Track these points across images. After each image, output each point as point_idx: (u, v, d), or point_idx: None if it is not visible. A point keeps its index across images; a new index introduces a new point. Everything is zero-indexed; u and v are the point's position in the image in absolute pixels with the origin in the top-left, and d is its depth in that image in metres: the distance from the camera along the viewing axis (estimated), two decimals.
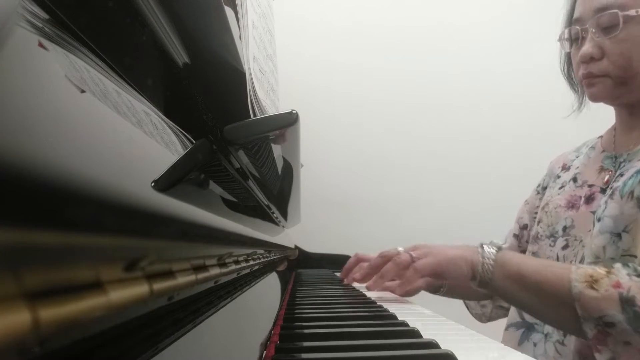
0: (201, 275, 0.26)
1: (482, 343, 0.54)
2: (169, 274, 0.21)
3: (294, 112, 0.40)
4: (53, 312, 0.11)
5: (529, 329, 0.88)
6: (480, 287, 0.78)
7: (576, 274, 0.68)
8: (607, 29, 0.77)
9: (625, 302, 0.63)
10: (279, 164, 0.62)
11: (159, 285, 0.19)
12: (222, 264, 0.34)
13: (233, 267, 0.38)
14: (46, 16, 0.20)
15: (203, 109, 0.37)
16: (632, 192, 0.73)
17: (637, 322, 0.62)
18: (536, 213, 0.96)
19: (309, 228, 1.62)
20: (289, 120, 0.40)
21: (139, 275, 0.17)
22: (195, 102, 0.37)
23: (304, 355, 0.44)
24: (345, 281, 1.01)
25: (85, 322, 0.13)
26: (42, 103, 0.14)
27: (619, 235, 0.74)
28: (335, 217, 1.86)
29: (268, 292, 0.68)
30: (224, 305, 0.36)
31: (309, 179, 1.46)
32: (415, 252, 0.83)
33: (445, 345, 0.44)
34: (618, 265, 0.67)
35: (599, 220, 0.77)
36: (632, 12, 0.75)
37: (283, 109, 0.42)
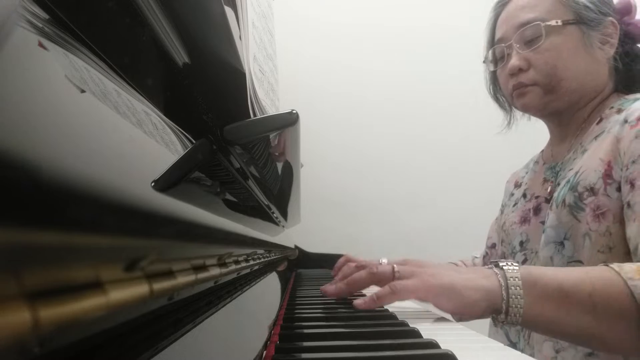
0: (201, 275, 0.26)
1: (482, 343, 0.54)
2: (169, 274, 0.21)
3: (294, 112, 0.40)
4: (53, 312, 0.11)
5: (513, 348, 0.87)
6: (510, 323, 0.58)
7: (622, 270, 0.56)
8: (531, 41, 0.82)
9: None
10: (279, 164, 0.62)
11: (159, 285, 0.19)
12: (222, 264, 0.34)
13: (233, 267, 0.38)
14: (46, 16, 0.20)
15: (203, 109, 0.37)
16: (564, 201, 0.76)
17: None
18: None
19: (309, 228, 1.62)
20: (289, 120, 0.40)
21: (139, 275, 0.17)
22: (195, 102, 0.36)
23: (304, 355, 0.44)
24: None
25: (85, 322, 0.13)
26: (42, 103, 0.14)
27: (562, 244, 0.76)
28: (335, 217, 1.86)
29: (268, 292, 0.68)
30: (224, 305, 0.36)
31: (309, 179, 1.46)
32: (401, 268, 0.64)
33: (445, 345, 0.44)
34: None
35: (543, 232, 0.80)
36: (552, 22, 0.80)
37: (283, 109, 0.42)
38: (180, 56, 0.34)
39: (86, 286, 0.13)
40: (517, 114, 1.00)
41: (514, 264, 0.60)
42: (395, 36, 1.94)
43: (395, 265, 0.64)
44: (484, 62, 0.95)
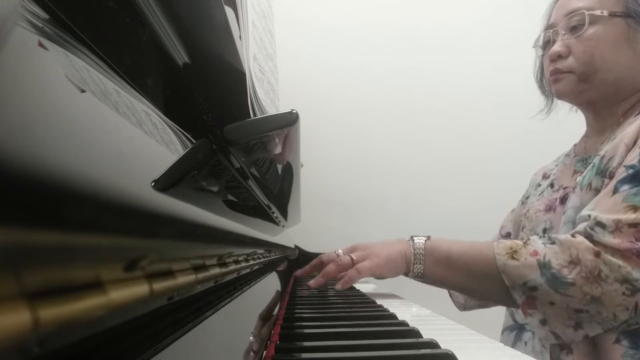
0: (201, 275, 0.26)
1: (482, 343, 0.54)
2: (169, 274, 0.21)
3: (294, 111, 0.40)
4: (53, 312, 0.11)
5: (520, 329, 0.91)
6: (416, 278, 0.84)
7: (498, 248, 0.75)
8: (575, 29, 0.83)
9: (543, 266, 0.70)
10: (279, 164, 0.62)
11: (159, 285, 0.19)
12: (222, 264, 0.34)
13: (233, 267, 0.38)
14: (46, 16, 0.20)
15: (203, 109, 0.37)
16: (590, 184, 0.78)
17: (555, 283, 0.69)
18: (521, 222, 1.00)
19: (309, 228, 1.62)
20: (289, 120, 0.40)
21: (139, 275, 0.17)
22: (196, 102, 0.36)
23: (304, 355, 0.44)
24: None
25: (85, 322, 0.13)
26: (42, 103, 0.14)
27: None
28: (335, 217, 1.86)
29: (268, 292, 0.68)
30: (224, 305, 0.36)
31: (309, 179, 1.46)
32: (355, 255, 0.88)
33: (444, 345, 0.44)
34: (534, 237, 0.75)
35: (564, 213, 0.82)
36: (597, 12, 0.81)
37: (283, 108, 0.42)
38: (180, 56, 0.34)
39: (86, 286, 0.13)
40: (560, 104, 0.99)
41: (423, 237, 0.83)
42: (396, 36, 1.94)
43: (352, 256, 0.87)
44: (533, 46, 0.96)
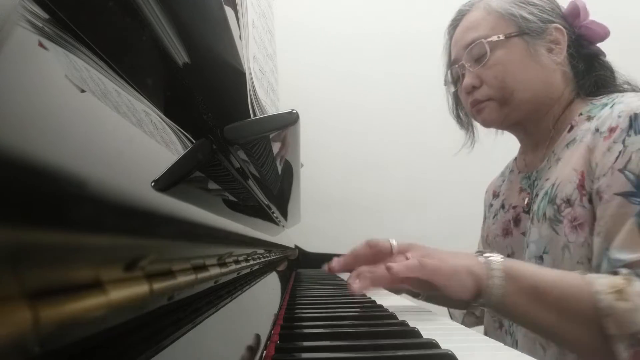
0: (201, 275, 0.26)
1: (482, 343, 0.54)
2: (169, 274, 0.21)
3: (294, 111, 0.40)
4: (53, 312, 0.11)
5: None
6: (486, 306, 0.65)
7: (599, 284, 0.60)
8: (479, 59, 0.84)
9: None
10: (279, 164, 0.62)
11: (159, 285, 0.19)
12: (222, 264, 0.34)
13: (233, 267, 0.38)
14: (46, 16, 0.20)
15: (203, 109, 0.37)
16: (544, 214, 0.76)
17: None
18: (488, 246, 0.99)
19: (309, 228, 1.62)
20: (289, 120, 0.40)
21: (139, 275, 0.17)
22: (195, 102, 0.36)
23: (304, 355, 0.44)
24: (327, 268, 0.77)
25: (85, 322, 0.13)
26: (42, 103, 0.14)
27: (541, 258, 0.77)
28: (335, 217, 1.86)
29: (268, 292, 0.68)
30: (224, 305, 0.36)
31: (309, 179, 1.46)
32: (412, 254, 0.68)
33: (444, 345, 0.44)
34: (623, 271, 0.62)
35: (527, 247, 0.80)
36: (494, 38, 0.82)
37: (283, 109, 0.42)
38: (180, 56, 0.34)
39: (86, 286, 0.13)
40: (480, 133, 1.02)
41: (500, 256, 0.65)
42: (395, 41, 1.94)
43: (407, 256, 0.67)
44: (444, 84, 0.97)
